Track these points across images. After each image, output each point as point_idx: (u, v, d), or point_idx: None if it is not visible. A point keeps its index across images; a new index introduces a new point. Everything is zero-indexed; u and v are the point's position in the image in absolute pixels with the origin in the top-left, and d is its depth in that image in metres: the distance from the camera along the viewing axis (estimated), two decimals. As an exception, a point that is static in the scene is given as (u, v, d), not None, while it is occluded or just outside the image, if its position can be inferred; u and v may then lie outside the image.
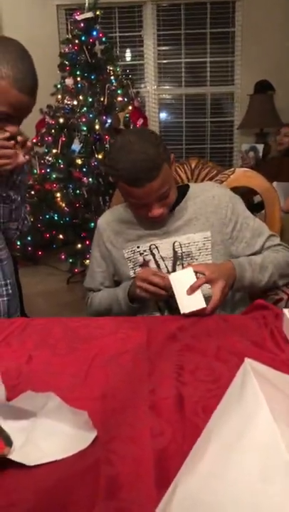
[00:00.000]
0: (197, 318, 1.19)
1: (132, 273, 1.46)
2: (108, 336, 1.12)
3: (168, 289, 1.27)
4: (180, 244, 1.41)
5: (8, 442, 0.69)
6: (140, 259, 1.45)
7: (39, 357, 1.03)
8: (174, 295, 1.25)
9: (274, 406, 0.40)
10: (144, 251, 1.44)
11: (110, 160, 1.30)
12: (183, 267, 1.39)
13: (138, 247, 1.45)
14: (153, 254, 1.43)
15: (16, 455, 0.68)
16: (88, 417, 0.74)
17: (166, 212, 1.37)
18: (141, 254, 1.45)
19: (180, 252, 1.41)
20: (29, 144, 1.27)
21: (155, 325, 1.16)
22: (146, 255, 1.44)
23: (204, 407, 0.81)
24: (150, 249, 1.43)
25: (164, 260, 1.43)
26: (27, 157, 1.28)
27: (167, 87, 5.13)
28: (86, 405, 0.82)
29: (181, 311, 1.20)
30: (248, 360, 0.47)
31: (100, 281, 1.56)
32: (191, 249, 1.41)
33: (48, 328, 1.18)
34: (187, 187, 1.47)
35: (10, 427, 0.74)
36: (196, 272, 1.24)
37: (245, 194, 1.52)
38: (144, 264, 1.44)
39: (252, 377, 0.44)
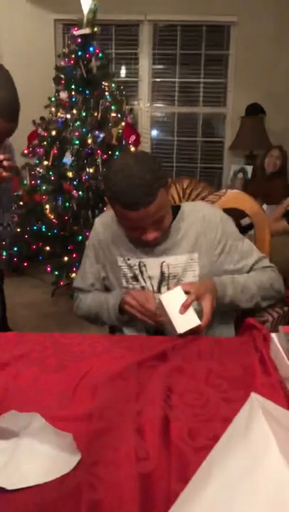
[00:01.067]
0: (190, 339, 1.18)
1: (124, 281, 1.45)
2: (100, 355, 1.11)
3: (157, 317, 1.29)
4: (168, 265, 1.41)
5: (-11, 464, 0.67)
6: (131, 272, 1.44)
7: (27, 373, 1.01)
8: (165, 318, 1.25)
9: (284, 447, 0.39)
10: (134, 265, 1.43)
11: (107, 181, 1.28)
12: (168, 288, 1.38)
13: (129, 260, 1.44)
14: (141, 272, 1.42)
15: (-4, 478, 0.66)
16: (73, 439, 0.73)
17: (159, 236, 1.35)
18: (131, 267, 1.44)
19: (167, 272, 1.41)
20: (7, 163, 1.27)
21: (149, 345, 1.15)
22: (136, 269, 1.43)
23: (190, 432, 0.80)
24: (139, 265, 1.43)
25: (150, 279, 1.42)
26: (4, 174, 1.29)
27: (160, 105, 5.18)
28: (71, 425, 0.80)
29: (178, 331, 1.20)
30: (254, 396, 0.46)
31: (91, 282, 1.53)
32: (178, 270, 1.41)
33: (39, 344, 1.16)
34: (178, 207, 1.46)
35: (-9, 446, 0.72)
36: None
37: (234, 216, 1.52)
38: (134, 277, 1.43)
39: (260, 415, 0.42)
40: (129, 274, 1.44)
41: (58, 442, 0.73)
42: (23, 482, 0.67)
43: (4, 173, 1.26)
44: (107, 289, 1.54)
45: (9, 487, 0.66)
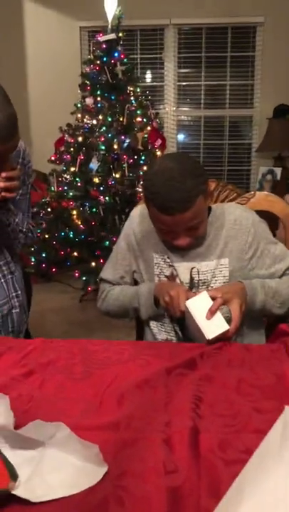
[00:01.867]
0: (219, 346, 1.15)
1: (156, 279, 1.41)
2: (127, 362, 1.08)
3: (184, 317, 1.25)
4: (198, 271, 1.37)
5: (13, 476, 0.65)
6: (169, 270, 1.39)
7: (53, 381, 1.00)
8: (192, 325, 1.21)
9: None
10: (173, 265, 1.39)
11: (146, 180, 1.25)
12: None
13: (168, 258, 1.39)
14: (177, 274, 1.39)
15: (20, 490, 0.64)
16: (99, 450, 0.70)
17: (191, 243, 1.31)
18: (170, 266, 1.39)
19: (197, 278, 1.37)
20: (3, 184, 1.24)
21: (177, 352, 1.12)
22: (174, 269, 1.39)
23: (220, 444, 0.77)
24: (175, 268, 1.39)
25: (182, 283, 1.38)
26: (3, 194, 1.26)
27: (186, 109, 5.15)
28: (97, 435, 0.78)
29: (207, 337, 1.16)
30: (288, 409, 0.43)
31: (120, 275, 1.49)
32: (208, 276, 1.37)
33: (65, 351, 1.15)
34: (209, 209, 1.41)
35: (17, 457, 0.70)
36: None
37: (268, 221, 1.47)
38: (172, 277, 1.39)
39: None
40: (167, 273, 1.39)
41: (83, 453, 0.71)
42: (48, 494, 0.65)
43: (3, 193, 1.25)
44: (136, 284, 1.49)
45: (34, 499, 0.64)
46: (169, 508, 0.64)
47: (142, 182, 3.56)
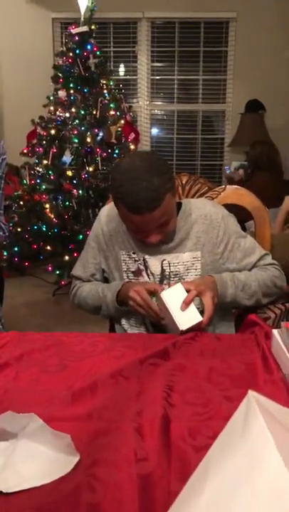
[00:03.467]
0: (191, 336, 1.17)
1: (124, 276, 1.43)
2: (101, 354, 1.09)
3: (160, 316, 1.27)
4: (168, 263, 1.39)
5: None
6: (135, 266, 1.41)
7: (27, 374, 1.00)
8: (166, 315, 1.23)
9: (283, 447, 0.37)
10: (138, 260, 1.41)
11: (113, 180, 1.26)
12: (169, 286, 1.37)
13: (134, 254, 1.42)
14: (146, 267, 1.41)
15: (-7, 481, 0.65)
16: (71, 440, 0.71)
17: (162, 239, 1.33)
18: (136, 261, 1.41)
19: (168, 270, 1.39)
20: None
21: (150, 343, 1.13)
22: (140, 264, 1.41)
23: (190, 431, 0.79)
24: (144, 260, 1.41)
25: (153, 276, 1.40)
26: None
27: (159, 103, 5.16)
28: (70, 426, 0.79)
29: (180, 328, 1.18)
30: (251, 393, 0.44)
31: (91, 273, 1.51)
32: (180, 268, 1.39)
33: (40, 344, 1.15)
34: (180, 205, 1.43)
35: (-12, 448, 0.71)
36: None
37: (237, 214, 1.50)
38: (138, 272, 1.41)
39: (257, 414, 0.41)
40: (133, 269, 1.42)
41: (55, 443, 0.72)
42: (21, 484, 0.66)
43: None
44: (106, 281, 1.52)
45: (6, 490, 0.64)
46: (140, 494, 0.65)
47: (108, 181, 3.56)
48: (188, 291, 1.23)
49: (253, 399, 0.43)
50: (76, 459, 0.71)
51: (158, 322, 1.33)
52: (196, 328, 1.20)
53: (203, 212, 1.41)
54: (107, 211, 1.49)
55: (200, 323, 1.20)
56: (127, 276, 1.43)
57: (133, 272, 1.42)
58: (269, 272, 1.42)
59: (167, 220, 1.28)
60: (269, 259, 1.45)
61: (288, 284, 1.58)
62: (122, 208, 1.24)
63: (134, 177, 1.20)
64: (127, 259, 1.42)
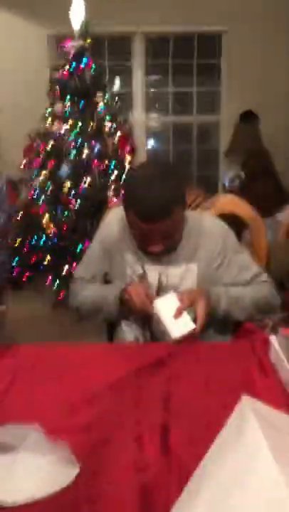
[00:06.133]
0: (187, 345, 1.17)
1: (128, 280, 1.42)
2: (98, 364, 1.09)
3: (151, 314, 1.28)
4: (166, 275, 1.40)
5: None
6: (140, 269, 1.41)
7: (24, 385, 1.00)
8: (159, 324, 1.24)
9: (275, 449, 0.38)
10: (142, 266, 1.41)
11: (127, 185, 1.27)
12: None
13: (140, 260, 1.42)
14: (146, 277, 1.41)
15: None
16: (70, 451, 0.72)
17: (164, 249, 1.33)
18: (142, 267, 1.42)
19: (165, 282, 1.40)
20: None
21: (145, 352, 1.14)
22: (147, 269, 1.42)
23: (191, 439, 0.79)
24: (143, 268, 1.41)
25: (150, 286, 1.41)
26: None
27: (155, 115, 5.20)
28: (69, 437, 0.79)
29: (172, 336, 1.19)
30: (245, 398, 0.45)
31: (92, 274, 1.51)
32: (176, 280, 1.40)
33: (36, 355, 1.16)
34: None
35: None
36: None
37: (234, 226, 1.51)
38: (144, 275, 1.41)
39: (251, 417, 0.41)
40: (137, 272, 1.42)
41: (55, 455, 0.72)
42: (21, 497, 0.66)
43: None
44: (106, 284, 1.51)
45: (6, 504, 0.64)
46: (140, 504, 0.66)
47: (115, 187, 3.58)
48: (181, 300, 1.24)
49: (247, 404, 0.44)
50: (76, 470, 0.71)
51: (154, 330, 1.34)
52: (189, 338, 1.20)
53: (203, 225, 1.42)
54: (114, 214, 1.49)
55: (192, 332, 1.20)
56: (132, 280, 1.42)
57: (138, 276, 1.42)
58: (263, 289, 1.43)
59: (173, 232, 1.30)
60: (264, 277, 1.45)
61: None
62: (132, 214, 1.25)
63: (148, 186, 1.21)
64: (133, 263, 1.43)
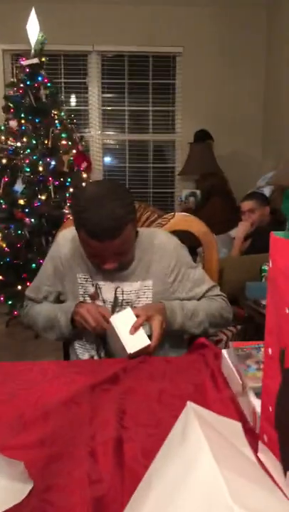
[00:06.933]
0: (141, 360, 1.19)
1: (81, 299, 1.44)
2: (51, 381, 1.09)
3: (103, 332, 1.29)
4: (122, 291, 1.42)
5: None
6: (92, 289, 1.43)
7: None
8: (115, 340, 1.26)
9: (216, 450, 0.40)
10: (94, 284, 1.43)
11: (76, 205, 1.27)
12: None
13: (91, 278, 1.43)
14: (98, 293, 1.42)
15: None
16: (24, 467, 0.71)
17: (117, 266, 1.35)
18: (93, 285, 1.43)
19: (120, 298, 1.42)
20: None
21: (100, 368, 1.15)
22: (92, 289, 1.43)
23: (144, 452, 0.80)
24: (97, 286, 1.43)
25: (104, 303, 1.42)
26: None
27: (111, 133, 5.27)
28: (23, 453, 0.79)
29: (128, 351, 1.21)
30: (190, 404, 0.47)
31: (44, 295, 1.51)
32: (132, 296, 1.42)
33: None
34: (135, 233, 1.44)
35: None
36: None
37: (189, 242, 1.56)
38: (94, 295, 1.42)
39: (194, 422, 0.43)
40: (89, 292, 1.43)
41: (9, 472, 0.72)
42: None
43: None
44: (61, 303, 1.52)
45: None
46: (93, 516, 0.66)
47: (69, 204, 3.58)
48: (137, 316, 1.26)
49: (191, 409, 0.46)
50: (30, 486, 0.71)
51: (108, 348, 1.35)
52: (145, 353, 1.23)
53: (157, 241, 1.45)
54: (65, 234, 1.50)
55: (148, 347, 1.23)
56: (84, 299, 1.44)
57: (90, 296, 1.43)
58: (216, 303, 1.47)
59: (126, 249, 1.32)
60: (217, 291, 1.50)
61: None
62: (83, 233, 1.26)
63: (98, 205, 1.22)
64: (84, 282, 1.44)
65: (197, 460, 0.40)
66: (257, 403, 0.86)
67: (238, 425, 0.51)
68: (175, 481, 0.41)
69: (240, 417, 0.91)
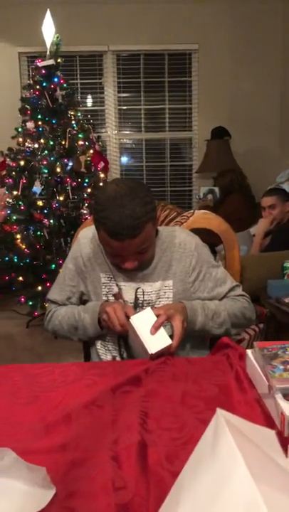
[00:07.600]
0: (163, 361, 1.17)
1: (104, 298, 1.42)
2: (73, 383, 1.07)
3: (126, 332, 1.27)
4: (142, 292, 1.39)
5: None
6: (115, 288, 1.41)
7: (-3, 406, 0.98)
8: (136, 340, 1.23)
9: (251, 462, 0.38)
10: (117, 284, 1.41)
11: (97, 204, 1.26)
12: None
13: (114, 278, 1.41)
14: (121, 294, 1.40)
15: None
16: (46, 472, 0.70)
17: (138, 265, 1.33)
18: (117, 285, 1.41)
19: (141, 299, 1.40)
20: None
21: (121, 370, 1.13)
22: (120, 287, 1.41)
23: (168, 456, 0.78)
24: (118, 286, 1.41)
25: (125, 303, 1.40)
26: None
27: (128, 132, 5.25)
28: (45, 458, 0.77)
29: (149, 352, 1.18)
30: (220, 411, 0.45)
31: (67, 296, 1.49)
32: (152, 297, 1.40)
33: (8, 376, 1.13)
34: (156, 232, 1.42)
35: None
36: None
37: (209, 241, 1.53)
38: (118, 294, 1.40)
39: (226, 432, 0.41)
40: (113, 291, 1.40)
41: (31, 477, 0.70)
42: (-5, 522, 0.64)
43: None
44: (82, 304, 1.49)
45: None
46: (118, 524, 0.64)
47: (89, 204, 3.58)
48: (158, 315, 1.24)
49: (221, 417, 0.44)
50: (52, 492, 0.69)
51: (130, 349, 1.33)
52: (167, 353, 1.20)
53: (178, 240, 1.42)
54: (87, 232, 1.48)
55: (169, 347, 1.20)
56: (107, 299, 1.42)
57: (114, 295, 1.41)
58: (239, 303, 1.43)
59: (146, 248, 1.30)
60: (239, 291, 1.47)
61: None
62: (103, 232, 1.25)
63: (118, 204, 1.21)
64: (108, 282, 1.42)
65: (231, 474, 0.38)
66: (285, 405, 0.83)
67: (271, 433, 0.49)
68: (207, 496, 0.38)
69: (267, 419, 0.88)
